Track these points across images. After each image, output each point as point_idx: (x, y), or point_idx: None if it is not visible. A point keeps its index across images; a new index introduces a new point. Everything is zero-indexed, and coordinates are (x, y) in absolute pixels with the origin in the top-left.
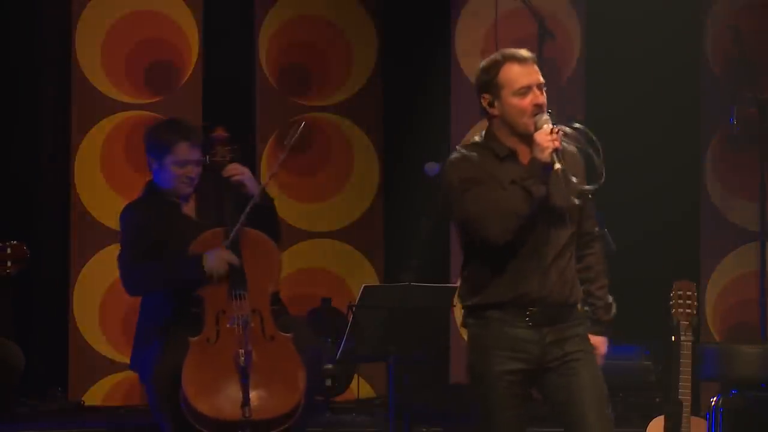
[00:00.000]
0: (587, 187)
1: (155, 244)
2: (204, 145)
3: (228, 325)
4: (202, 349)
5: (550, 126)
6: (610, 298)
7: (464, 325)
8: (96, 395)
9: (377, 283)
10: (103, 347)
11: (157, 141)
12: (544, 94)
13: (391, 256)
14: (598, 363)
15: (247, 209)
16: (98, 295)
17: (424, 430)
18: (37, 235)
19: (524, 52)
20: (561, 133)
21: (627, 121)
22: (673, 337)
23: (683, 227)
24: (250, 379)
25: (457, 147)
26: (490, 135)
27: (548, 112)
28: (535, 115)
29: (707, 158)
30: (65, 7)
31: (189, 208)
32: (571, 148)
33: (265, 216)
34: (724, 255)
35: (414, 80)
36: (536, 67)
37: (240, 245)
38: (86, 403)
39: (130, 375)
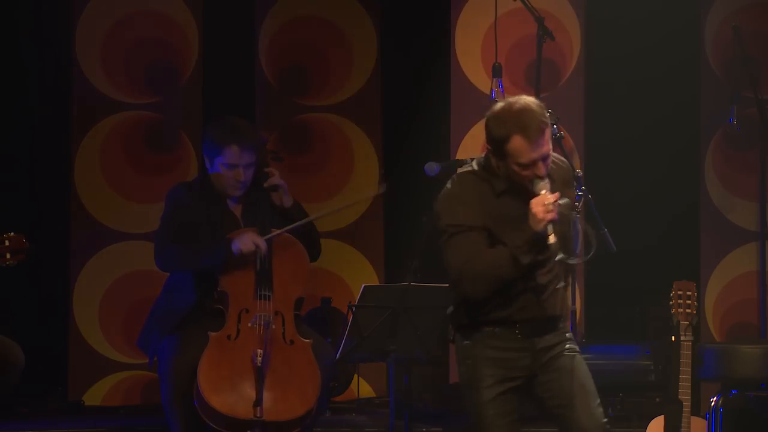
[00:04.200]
0: (571, 260)
1: (190, 228)
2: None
3: (249, 325)
4: (221, 346)
5: (548, 194)
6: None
7: (452, 340)
8: (96, 395)
9: (377, 283)
10: (103, 347)
11: (210, 141)
12: (550, 160)
13: (391, 256)
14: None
15: (291, 227)
16: (98, 295)
17: (424, 430)
18: (37, 235)
19: (537, 125)
20: (557, 203)
21: (626, 121)
22: (673, 337)
23: (683, 227)
24: (266, 381)
25: (454, 176)
26: (488, 167)
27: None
28: (533, 179)
29: (707, 158)
30: (65, 7)
31: (234, 206)
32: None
33: (306, 235)
34: (724, 255)
35: (414, 80)
36: (546, 136)
37: (271, 248)
38: (86, 403)
39: (130, 375)
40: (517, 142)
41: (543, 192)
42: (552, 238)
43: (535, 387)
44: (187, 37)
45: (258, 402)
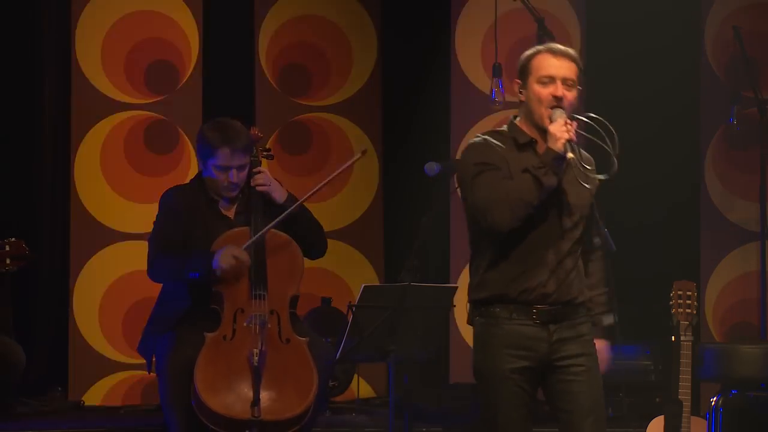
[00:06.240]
0: (600, 175)
1: (182, 233)
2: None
3: (245, 324)
4: (217, 346)
5: (565, 118)
6: (610, 306)
7: (471, 322)
8: (96, 395)
9: (377, 283)
10: (103, 347)
11: (202, 143)
12: (572, 91)
13: (391, 256)
14: (602, 368)
15: (281, 218)
16: (98, 295)
17: (424, 430)
18: (38, 234)
19: (564, 48)
20: (575, 125)
21: (627, 121)
22: (673, 337)
23: (683, 227)
24: (262, 380)
25: (478, 134)
26: (512, 125)
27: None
28: (552, 107)
29: (707, 158)
30: (65, 7)
31: (228, 208)
32: (585, 154)
33: (299, 224)
34: (724, 255)
35: (414, 80)
36: (570, 64)
37: (265, 246)
38: (86, 403)
39: (130, 375)
40: (541, 57)
41: (560, 119)
42: (570, 155)
43: (548, 388)
44: (187, 37)
45: (255, 401)
